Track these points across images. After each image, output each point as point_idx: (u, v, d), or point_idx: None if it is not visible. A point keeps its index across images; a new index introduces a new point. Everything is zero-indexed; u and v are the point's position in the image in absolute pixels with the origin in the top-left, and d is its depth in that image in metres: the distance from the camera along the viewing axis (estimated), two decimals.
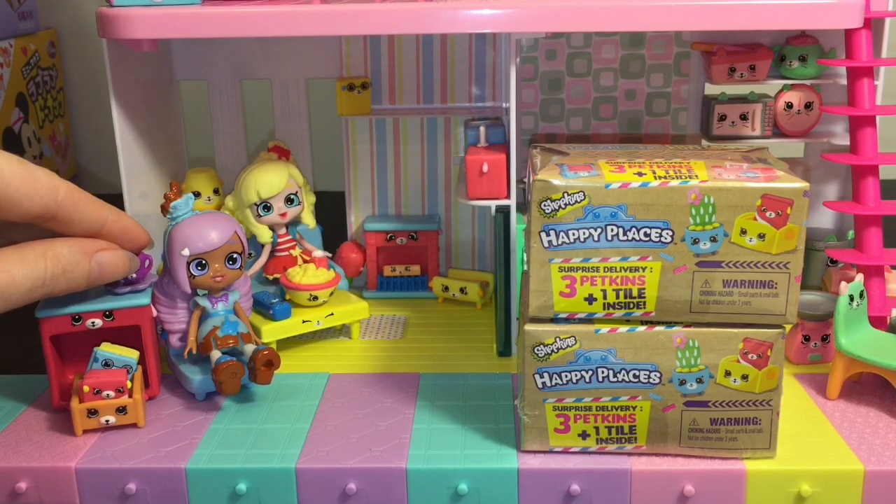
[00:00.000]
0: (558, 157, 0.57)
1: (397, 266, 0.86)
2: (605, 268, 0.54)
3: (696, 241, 0.54)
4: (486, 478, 0.57)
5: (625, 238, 0.54)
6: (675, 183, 0.53)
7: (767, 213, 0.53)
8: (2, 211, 0.54)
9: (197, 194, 0.80)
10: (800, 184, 0.53)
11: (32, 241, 0.56)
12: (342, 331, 0.78)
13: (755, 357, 0.55)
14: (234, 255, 0.65)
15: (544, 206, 0.54)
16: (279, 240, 0.78)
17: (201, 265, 0.64)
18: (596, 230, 0.54)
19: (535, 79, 0.84)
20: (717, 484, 0.57)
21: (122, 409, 0.61)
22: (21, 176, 0.54)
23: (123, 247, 0.62)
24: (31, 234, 0.57)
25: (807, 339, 0.69)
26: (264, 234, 0.77)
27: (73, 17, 1.22)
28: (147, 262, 0.65)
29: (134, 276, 0.64)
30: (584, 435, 0.58)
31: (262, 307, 0.74)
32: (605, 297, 0.55)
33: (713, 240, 0.54)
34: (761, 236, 0.53)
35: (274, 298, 0.74)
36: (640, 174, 0.54)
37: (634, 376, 0.56)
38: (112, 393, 0.61)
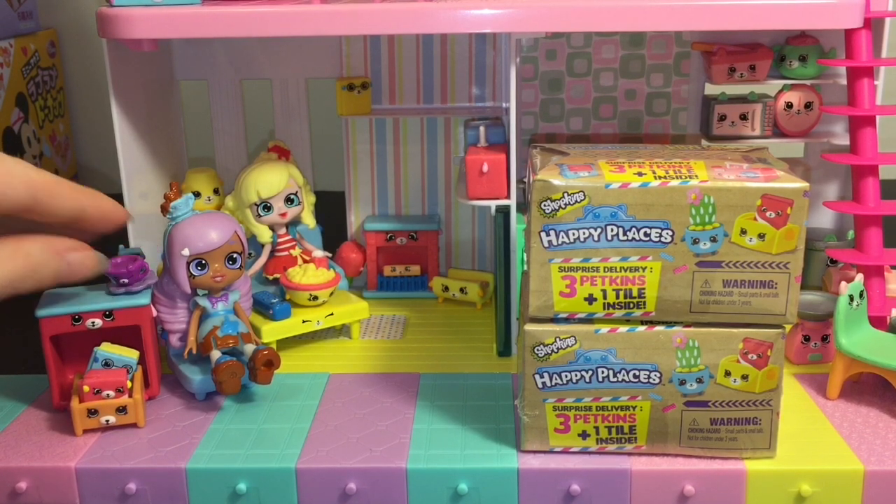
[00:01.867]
0: (558, 157, 0.57)
1: (397, 266, 0.86)
2: (605, 268, 0.54)
3: (696, 241, 0.54)
4: (486, 478, 0.57)
5: (625, 238, 0.54)
6: (675, 183, 0.53)
7: (767, 213, 0.53)
8: None
9: (197, 194, 0.80)
10: (800, 184, 0.53)
11: (1, 237, 0.55)
12: (342, 331, 0.78)
13: (755, 357, 0.55)
14: (234, 255, 0.65)
15: (544, 206, 0.54)
16: (279, 240, 0.78)
17: (201, 265, 0.64)
18: (596, 230, 0.54)
19: (535, 79, 0.84)
20: (717, 484, 0.57)
21: (122, 409, 0.61)
22: None
23: (104, 229, 0.60)
24: (3, 226, 0.56)
25: (807, 339, 0.69)
26: (264, 234, 0.77)
27: (73, 17, 1.22)
28: (144, 270, 0.65)
29: (126, 281, 0.64)
30: (584, 435, 0.58)
31: (262, 307, 0.74)
32: (605, 297, 0.55)
33: (713, 240, 0.54)
34: (761, 236, 0.53)
35: (274, 298, 0.74)
36: (640, 174, 0.54)
37: (634, 376, 0.56)
38: (112, 393, 0.61)
